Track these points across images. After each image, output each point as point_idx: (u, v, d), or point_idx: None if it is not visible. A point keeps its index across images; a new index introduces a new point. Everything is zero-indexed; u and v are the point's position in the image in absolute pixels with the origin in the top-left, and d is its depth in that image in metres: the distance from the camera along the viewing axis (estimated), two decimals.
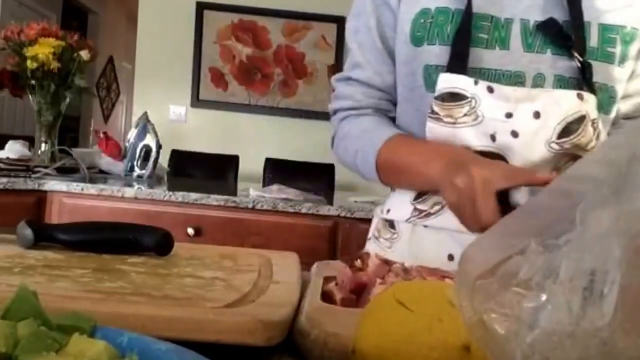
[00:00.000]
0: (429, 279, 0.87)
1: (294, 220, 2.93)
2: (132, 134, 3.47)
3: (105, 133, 3.65)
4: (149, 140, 3.43)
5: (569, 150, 1.22)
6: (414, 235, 1.35)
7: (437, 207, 1.31)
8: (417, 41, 1.32)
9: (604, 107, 1.28)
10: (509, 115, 1.22)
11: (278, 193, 3.07)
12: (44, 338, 0.48)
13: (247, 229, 2.91)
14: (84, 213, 2.91)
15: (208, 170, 4.96)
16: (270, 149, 5.54)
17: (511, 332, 0.48)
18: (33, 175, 3.02)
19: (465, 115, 1.23)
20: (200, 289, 0.84)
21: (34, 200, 2.93)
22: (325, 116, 4.99)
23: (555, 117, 1.21)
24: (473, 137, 1.24)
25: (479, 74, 1.26)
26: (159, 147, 3.45)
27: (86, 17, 10.05)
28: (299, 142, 5.65)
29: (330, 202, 3.07)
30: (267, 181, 4.73)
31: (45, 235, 1.03)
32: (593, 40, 1.26)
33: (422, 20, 1.31)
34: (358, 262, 0.95)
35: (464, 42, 1.26)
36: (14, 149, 3.36)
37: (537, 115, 1.22)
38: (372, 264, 0.93)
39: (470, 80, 1.24)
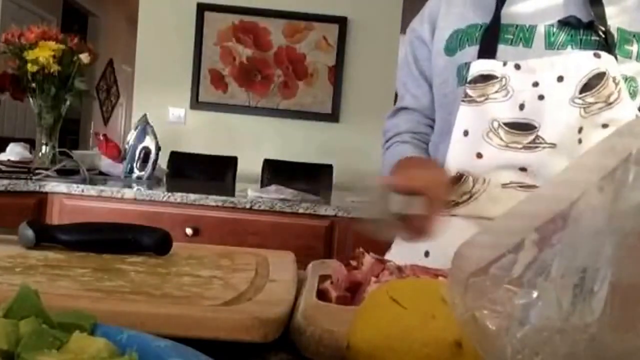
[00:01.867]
0: (422, 277, 0.87)
1: (291, 220, 2.93)
2: (132, 136, 3.47)
3: (105, 135, 3.64)
4: (149, 142, 3.42)
5: (592, 104, 1.26)
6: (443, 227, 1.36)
7: (465, 197, 1.34)
8: (450, 51, 1.42)
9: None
10: (535, 84, 1.29)
11: (276, 193, 3.07)
12: (45, 336, 0.48)
13: (244, 229, 2.91)
14: (84, 214, 2.91)
15: (206, 172, 4.96)
16: (269, 150, 5.54)
17: (502, 328, 0.48)
18: (34, 177, 3.01)
19: (496, 92, 1.30)
20: (198, 287, 0.84)
21: (35, 202, 2.93)
22: (325, 117, 4.98)
23: (576, 77, 1.27)
24: (503, 110, 1.30)
25: None
26: (158, 148, 3.45)
27: (86, 20, 10.04)
28: (298, 143, 5.64)
29: (327, 202, 3.08)
30: (265, 182, 4.73)
31: (46, 236, 1.04)
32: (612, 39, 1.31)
33: (455, 36, 1.42)
34: (353, 261, 0.96)
35: (492, 36, 1.35)
36: (15, 152, 3.35)
37: (560, 79, 1.28)
38: (367, 263, 0.93)
39: (499, 62, 1.32)
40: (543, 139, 1.27)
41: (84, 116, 10.02)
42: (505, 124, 1.29)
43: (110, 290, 0.80)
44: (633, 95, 1.32)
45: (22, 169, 3.12)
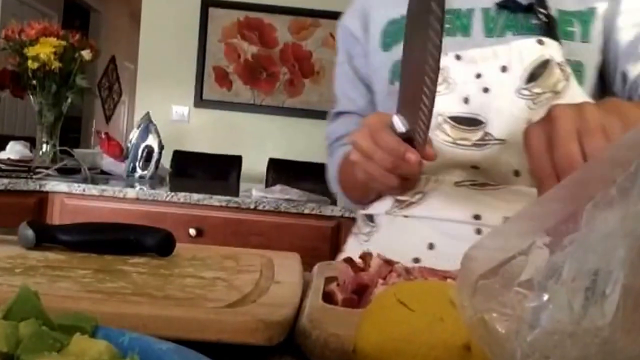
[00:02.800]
0: (430, 279, 0.87)
1: (297, 220, 2.94)
2: (134, 134, 3.48)
3: (107, 133, 3.65)
4: (151, 140, 3.43)
5: (540, 95, 1.24)
6: (392, 227, 1.35)
7: (418, 196, 1.32)
8: (386, 46, 1.40)
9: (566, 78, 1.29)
10: (478, 76, 1.26)
11: (281, 193, 3.07)
12: (46, 338, 0.48)
13: (249, 229, 2.92)
14: (85, 214, 2.92)
15: (210, 171, 4.97)
16: (274, 149, 5.54)
17: (512, 331, 0.48)
18: (34, 176, 3.02)
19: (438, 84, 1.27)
20: (201, 289, 0.84)
21: (35, 201, 2.94)
22: None
23: (520, 67, 1.24)
24: (447, 104, 1.27)
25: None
26: (161, 147, 3.46)
27: (88, 16, 10.07)
28: (304, 142, 5.64)
29: (333, 202, 3.08)
30: (270, 182, 4.73)
31: (47, 236, 1.04)
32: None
33: (390, 29, 1.39)
34: (360, 263, 0.96)
35: None
36: (15, 150, 3.36)
37: (503, 69, 1.25)
38: (374, 265, 0.93)
39: None
40: (492, 135, 1.25)
41: (86, 114, 10.04)
42: (451, 118, 1.27)
43: (112, 291, 0.80)
44: (579, 80, 1.29)
45: (22, 167, 3.13)
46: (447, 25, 1.31)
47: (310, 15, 5.45)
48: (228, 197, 2.94)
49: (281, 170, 4.97)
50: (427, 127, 1.03)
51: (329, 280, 0.94)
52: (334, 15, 5.37)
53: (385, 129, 1.08)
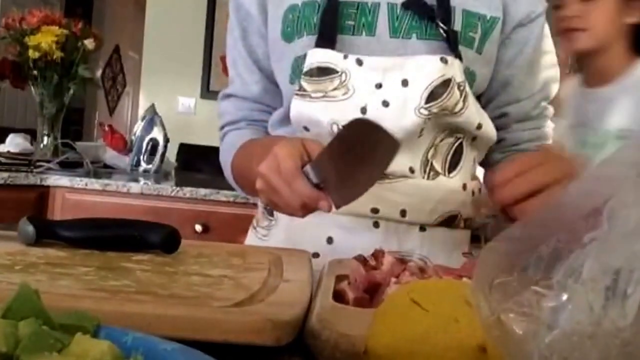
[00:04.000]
0: (445, 277, 0.87)
1: None
2: (139, 127, 3.48)
3: (110, 126, 3.66)
4: (156, 133, 3.44)
5: (438, 114, 1.25)
6: (292, 221, 1.31)
7: None
8: (287, 37, 1.36)
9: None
10: (378, 86, 1.26)
11: None
12: (46, 337, 0.48)
13: None
14: (87, 209, 2.92)
15: (217, 165, 4.95)
16: None
17: (529, 332, 0.48)
18: (35, 170, 3.03)
19: (335, 89, 1.26)
20: (207, 287, 0.84)
21: (36, 196, 2.95)
22: None
23: (422, 83, 1.24)
24: (343, 111, 1.25)
25: None
26: (166, 140, 3.46)
27: (91, 4, 10.07)
28: None
29: None
30: None
31: (48, 232, 1.04)
32: (457, 25, 1.30)
33: (290, 16, 1.35)
34: (372, 261, 0.96)
35: (330, 23, 1.30)
36: (15, 143, 3.37)
37: (405, 83, 1.25)
38: (387, 263, 0.93)
39: (340, 54, 1.27)
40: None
41: (88, 106, 10.05)
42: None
43: (115, 289, 0.80)
44: (470, 84, 1.32)
45: (22, 161, 3.14)
46: (351, 23, 1.31)
47: None
48: (235, 192, 2.94)
49: None
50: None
51: (339, 278, 0.94)
52: None
53: (298, 173, 1.06)
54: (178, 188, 2.94)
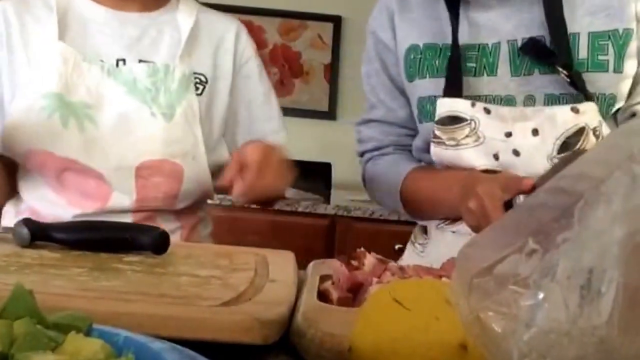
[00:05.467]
0: (425, 277, 0.87)
1: (291, 219, 2.93)
2: None
3: None
4: None
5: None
6: (442, 241, 1.37)
7: None
8: (409, 77, 1.38)
9: (604, 115, 1.27)
10: (508, 135, 1.24)
11: None
12: (40, 337, 0.48)
13: (243, 228, 2.91)
14: None
15: None
16: None
17: (508, 330, 0.48)
18: None
19: (466, 136, 1.26)
20: (196, 287, 0.84)
21: None
22: (321, 115, 4.97)
23: (553, 134, 1.22)
24: (477, 158, 1.26)
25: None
26: None
27: None
28: (295, 141, 5.59)
29: (327, 200, 3.07)
30: None
31: (42, 234, 1.03)
32: (582, 52, 1.26)
33: (412, 57, 1.36)
34: (354, 261, 0.95)
35: (455, 70, 1.29)
36: None
37: (535, 132, 1.23)
38: (369, 263, 0.93)
39: (468, 102, 1.26)
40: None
41: None
42: (482, 171, 1.26)
43: (107, 290, 0.79)
44: (607, 113, 1.28)
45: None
46: (472, 65, 1.30)
47: (298, 18, 5.45)
48: (221, 195, 2.93)
49: None
50: None
51: (323, 278, 0.93)
52: (322, 18, 5.38)
53: (501, 209, 1.09)
54: None
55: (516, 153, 1.24)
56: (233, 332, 0.69)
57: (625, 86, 1.29)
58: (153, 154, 1.37)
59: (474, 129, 1.25)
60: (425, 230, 1.46)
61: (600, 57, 1.25)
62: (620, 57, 1.26)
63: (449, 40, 1.31)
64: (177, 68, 1.40)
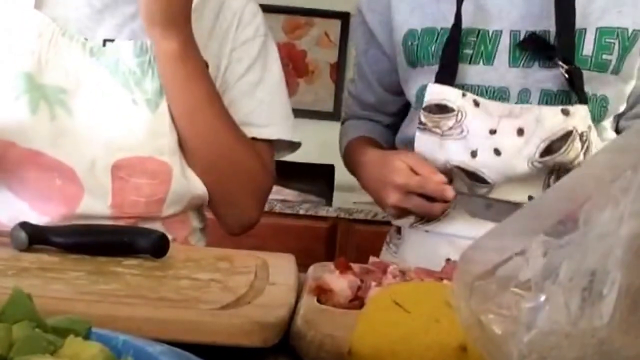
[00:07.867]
0: (426, 280, 0.87)
1: (292, 221, 2.93)
2: None
3: None
4: None
5: (552, 167, 1.21)
6: (416, 241, 1.37)
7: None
8: (411, 63, 1.36)
9: (595, 117, 1.26)
10: (492, 132, 1.23)
11: (276, 194, 3.07)
12: (39, 340, 0.48)
13: None
14: None
15: None
16: None
17: (508, 332, 0.48)
18: None
19: (451, 128, 1.24)
20: (196, 290, 0.84)
21: None
22: (326, 116, 4.93)
23: (539, 135, 1.20)
24: (456, 151, 1.25)
25: (462, 89, 1.26)
26: None
27: None
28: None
29: (329, 203, 3.07)
30: None
31: (40, 238, 1.03)
32: (587, 48, 1.24)
33: (409, 43, 1.34)
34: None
35: (451, 55, 1.27)
36: None
37: (520, 132, 1.21)
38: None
39: (459, 92, 1.25)
40: (495, 198, 1.24)
41: None
42: (457, 168, 1.25)
43: (106, 293, 0.79)
44: (600, 116, 1.27)
45: None
46: (469, 52, 1.28)
47: (304, 14, 5.41)
48: None
49: (276, 171, 4.92)
50: None
51: None
52: (329, 15, 5.28)
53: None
54: None
55: (497, 152, 1.22)
56: (233, 335, 0.69)
57: (621, 90, 1.29)
58: (133, 150, 1.20)
59: (460, 121, 1.24)
60: (399, 230, 1.46)
61: (604, 57, 1.24)
62: (621, 59, 1.25)
63: (449, 24, 1.28)
64: None
